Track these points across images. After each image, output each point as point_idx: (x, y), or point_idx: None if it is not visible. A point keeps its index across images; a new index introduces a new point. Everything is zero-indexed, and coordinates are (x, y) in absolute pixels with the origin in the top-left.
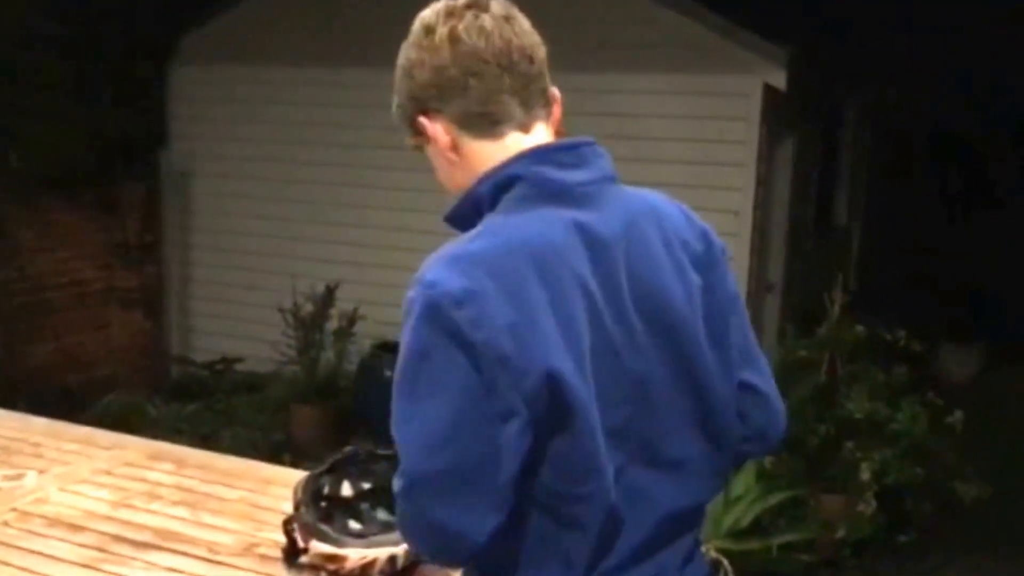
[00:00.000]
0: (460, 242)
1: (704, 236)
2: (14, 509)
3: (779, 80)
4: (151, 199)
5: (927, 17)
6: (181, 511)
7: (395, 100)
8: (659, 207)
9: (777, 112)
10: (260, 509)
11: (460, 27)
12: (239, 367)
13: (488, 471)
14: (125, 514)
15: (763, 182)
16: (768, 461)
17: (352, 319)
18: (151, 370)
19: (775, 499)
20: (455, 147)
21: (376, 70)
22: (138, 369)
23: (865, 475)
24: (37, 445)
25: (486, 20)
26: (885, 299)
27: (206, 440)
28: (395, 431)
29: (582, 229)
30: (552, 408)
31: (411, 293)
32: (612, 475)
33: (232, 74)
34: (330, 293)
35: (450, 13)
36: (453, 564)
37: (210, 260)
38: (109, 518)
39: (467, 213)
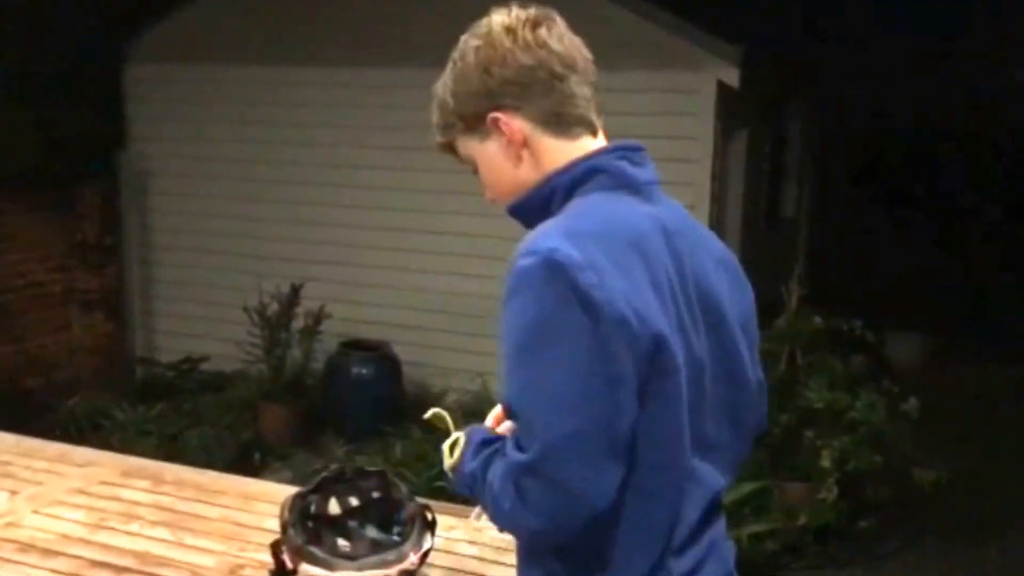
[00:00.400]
0: (560, 219)
1: (721, 241)
2: None
3: (732, 77)
4: (110, 200)
5: (872, 17)
6: (161, 532)
7: (449, 96)
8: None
9: (730, 108)
10: (243, 528)
11: (544, 33)
12: (204, 367)
13: (612, 431)
14: (103, 537)
15: (717, 177)
16: None
17: (318, 318)
18: (114, 372)
19: (745, 490)
20: (526, 144)
21: (337, 68)
22: (101, 371)
23: (826, 463)
24: (7, 464)
25: (562, 29)
26: (832, 290)
27: (173, 440)
28: (518, 398)
29: (657, 219)
30: (655, 372)
31: (525, 262)
32: (690, 450)
33: (191, 73)
34: (295, 292)
35: (532, 20)
36: (569, 532)
37: (172, 260)
38: (86, 542)
39: (536, 205)
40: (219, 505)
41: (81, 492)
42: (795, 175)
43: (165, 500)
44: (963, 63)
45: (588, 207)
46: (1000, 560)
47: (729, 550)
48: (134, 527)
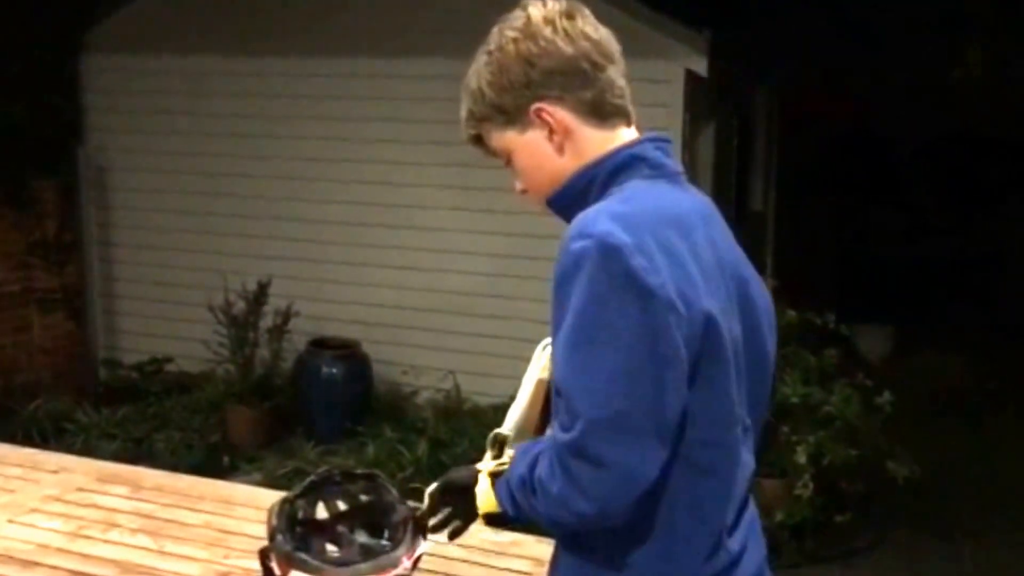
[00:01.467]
0: (609, 203)
1: None
2: None
3: (700, 66)
4: (69, 196)
5: (836, 6)
6: (142, 540)
7: (487, 87)
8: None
9: (698, 99)
10: (226, 534)
11: (580, 23)
12: (170, 368)
13: (659, 413)
14: (82, 546)
15: (686, 168)
16: None
17: (287, 316)
18: (76, 374)
19: None
20: (569, 135)
21: (302, 59)
22: (62, 373)
23: (802, 458)
24: None
25: (593, 19)
26: (801, 283)
27: (139, 444)
28: (568, 379)
29: (694, 206)
30: (706, 353)
31: (578, 244)
32: (740, 425)
33: (150, 64)
34: (263, 290)
35: (567, 12)
36: (617, 513)
37: (134, 258)
38: (65, 551)
39: (575, 193)
40: (201, 511)
41: (57, 499)
42: (761, 168)
43: (145, 507)
44: (926, 53)
45: (633, 193)
46: (974, 553)
47: (761, 533)
48: (114, 535)
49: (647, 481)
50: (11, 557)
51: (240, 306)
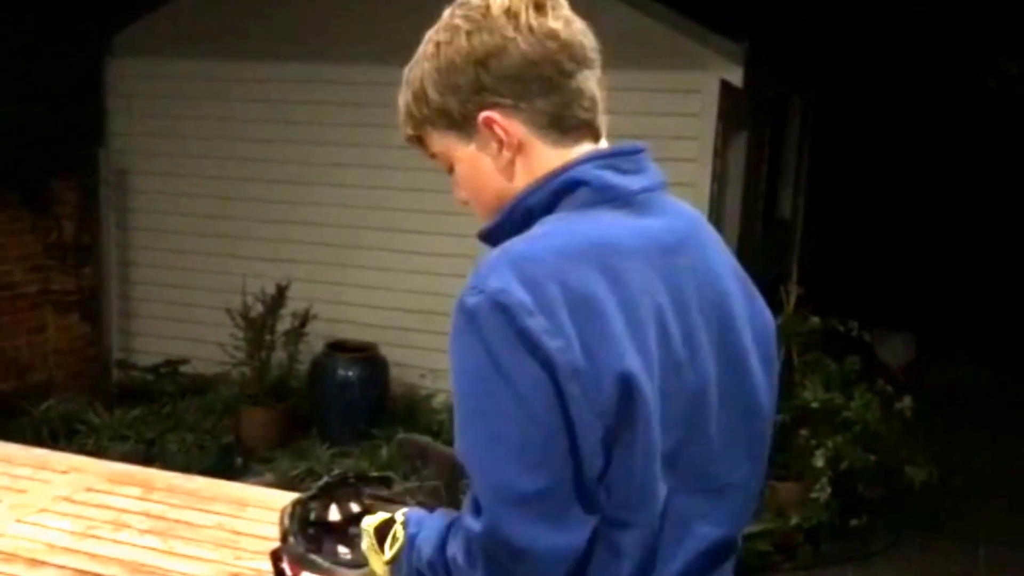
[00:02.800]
0: (518, 243)
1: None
2: None
3: (736, 76)
4: (87, 198)
5: (870, 17)
6: (151, 540)
7: (431, 86)
8: (701, 216)
9: (732, 108)
10: (237, 535)
11: (551, 20)
12: (184, 369)
13: (577, 485)
14: (90, 546)
15: (718, 178)
16: None
17: (304, 319)
18: (90, 375)
19: None
20: (521, 150)
21: (321, 65)
22: (76, 374)
23: (820, 462)
24: None
25: (567, 10)
26: (824, 290)
27: (151, 445)
28: (469, 454)
29: (647, 235)
30: (621, 418)
31: (472, 300)
32: (662, 502)
33: (172, 68)
34: (281, 293)
35: (536, 3)
36: None
37: (151, 260)
38: (73, 551)
39: (513, 225)
40: (212, 512)
41: (67, 500)
42: (791, 176)
43: (155, 508)
44: (962, 63)
45: (557, 225)
46: (989, 557)
47: None
48: (123, 535)
49: (578, 552)
50: (18, 556)
51: (258, 309)
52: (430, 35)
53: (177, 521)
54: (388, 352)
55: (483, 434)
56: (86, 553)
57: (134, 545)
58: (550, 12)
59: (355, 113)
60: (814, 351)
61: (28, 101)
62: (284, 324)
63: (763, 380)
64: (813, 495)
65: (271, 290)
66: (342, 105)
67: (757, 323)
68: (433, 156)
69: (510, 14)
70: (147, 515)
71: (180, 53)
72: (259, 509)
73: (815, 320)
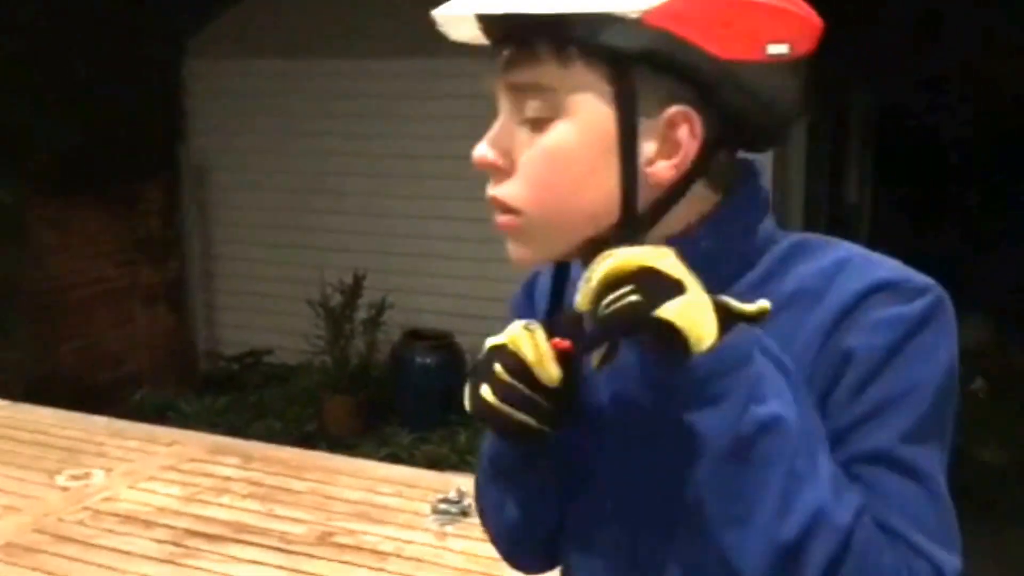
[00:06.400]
0: (867, 252)
1: None
2: (87, 508)
3: None
4: (171, 194)
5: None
6: (252, 504)
7: None
8: None
9: None
10: (331, 499)
11: None
12: (268, 359)
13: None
14: (196, 508)
15: (780, 159)
16: None
17: (381, 308)
18: (178, 365)
19: None
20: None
21: (394, 60)
22: (165, 365)
23: None
24: (100, 444)
25: None
26: None
27: (238, 432)
28: (934, 472)
29: None
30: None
31: (923, 301)
32: None
33: (250, 66)
34: (358, 283)
35: None
36: None
37: (233, 253)
38: (180, 513)
39: (738, 256)
40: (307, 479)
41: (172, 468)
42: (856, 162)
43: (255, 475)
44: None
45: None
46: None
47: None
48: (225, 499)
49: None
50: (133, 517)
51: (336, 299)
52: None
53: (274, 487)
54: (464, 341)
55: (944, 447)
56: (193, 515)
57: (236, 508)
58: None
59: (430, 106)
60: None
61: (113, 103)
62: (362, 314)
63: None
64: None
65: (349, 281)
66: (417, 98)
67: None
68: (530, 111)
69: None
70: (247, 482)
71: (252, 53)
72: (351, 477)
73: None
